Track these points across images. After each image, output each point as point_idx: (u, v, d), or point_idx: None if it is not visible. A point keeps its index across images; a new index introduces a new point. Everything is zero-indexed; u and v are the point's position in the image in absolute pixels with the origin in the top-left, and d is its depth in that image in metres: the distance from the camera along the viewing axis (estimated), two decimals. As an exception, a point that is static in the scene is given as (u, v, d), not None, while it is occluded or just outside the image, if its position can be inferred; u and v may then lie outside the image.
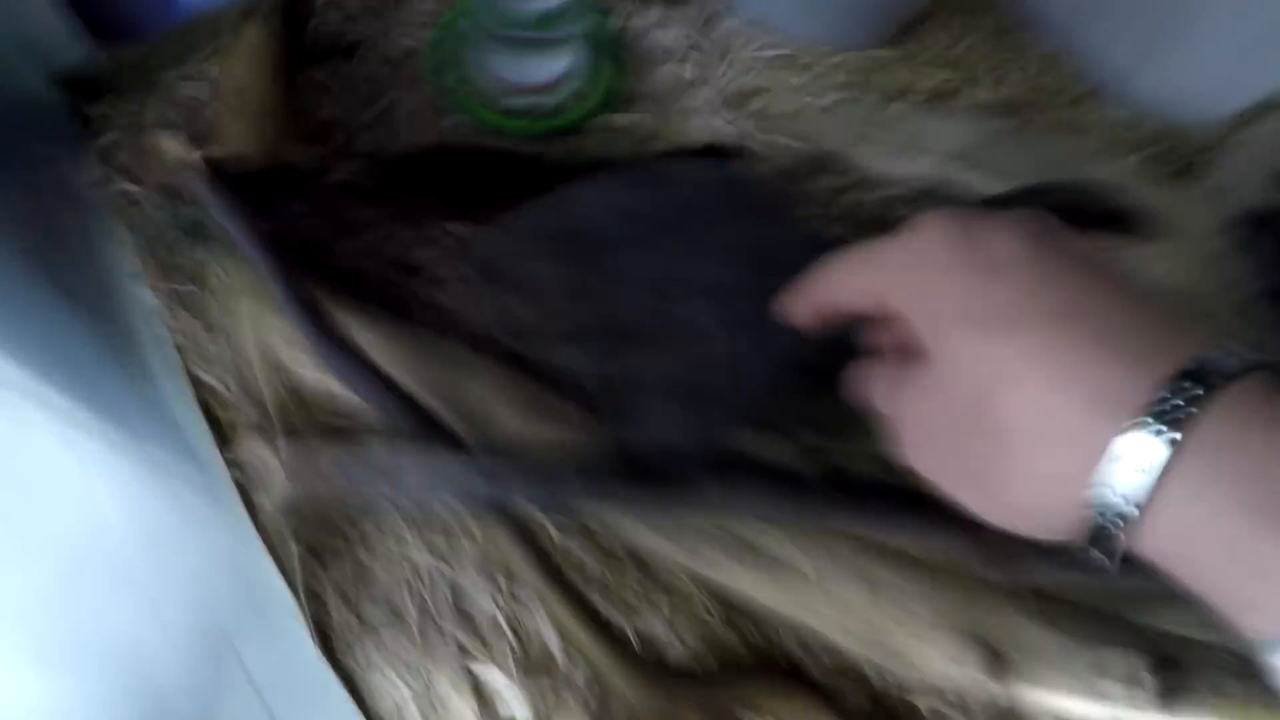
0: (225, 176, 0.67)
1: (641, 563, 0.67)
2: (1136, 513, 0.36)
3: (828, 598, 0.60)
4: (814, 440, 0.76)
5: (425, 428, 0.60)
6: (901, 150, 0.91)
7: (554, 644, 0.72)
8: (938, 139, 0.91)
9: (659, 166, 0.75)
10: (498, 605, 0.73)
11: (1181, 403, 0.35)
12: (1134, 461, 0.35)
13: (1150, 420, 0.35)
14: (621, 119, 0.96)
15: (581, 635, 0.60)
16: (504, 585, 0.74)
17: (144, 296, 0.82)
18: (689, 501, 0.55)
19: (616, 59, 0.98)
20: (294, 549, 0.66)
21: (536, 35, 0.89)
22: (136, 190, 0.86)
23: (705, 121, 0.96)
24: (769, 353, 0.66)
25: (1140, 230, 0.80)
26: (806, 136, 0.95)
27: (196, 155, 0.67)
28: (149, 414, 0.77)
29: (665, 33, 1.03)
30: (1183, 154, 1.02)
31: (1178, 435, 0.34)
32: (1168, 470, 0.35)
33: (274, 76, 0.81)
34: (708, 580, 0.64)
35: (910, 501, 0.57)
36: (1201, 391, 0.35)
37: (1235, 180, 0.89)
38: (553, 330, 0.66)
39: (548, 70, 0.93)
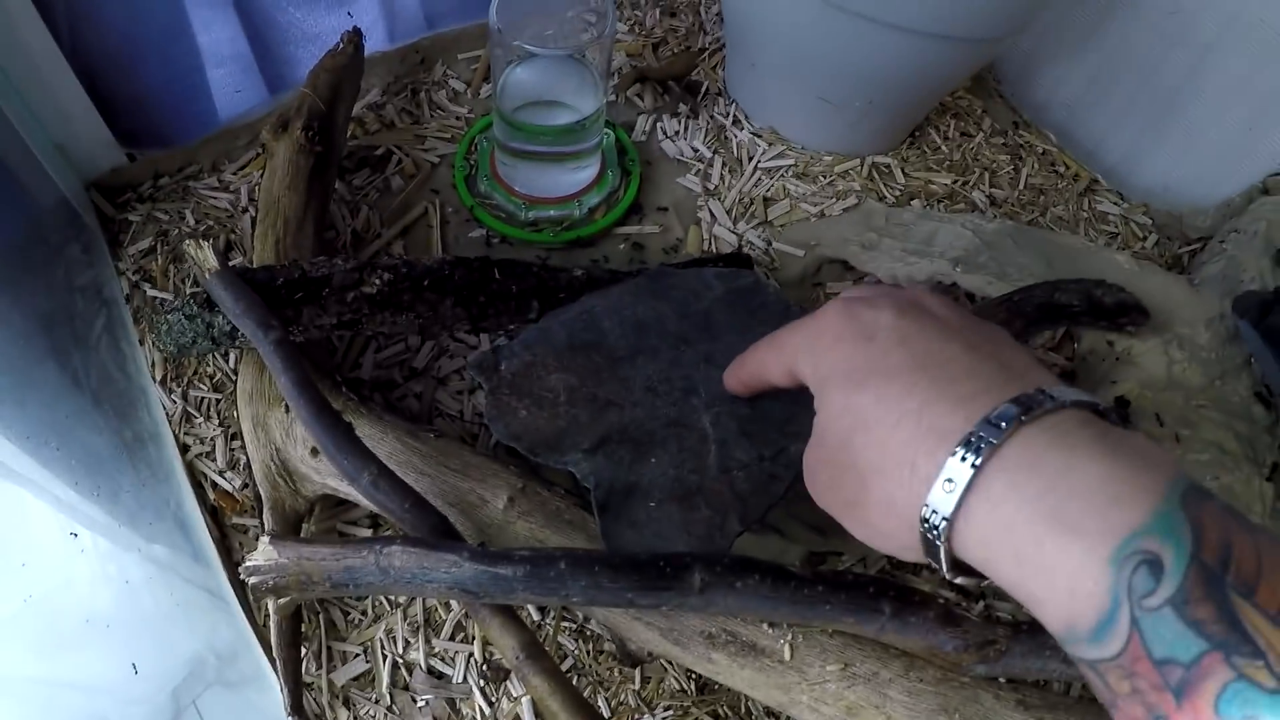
0: (254, 287, 0.69)
1: (616, 637, 0.68)
2: (947, 525, 0.42)
3: (802, 677, 0.61)
4: (809, 539, 0.78)
5: (438, 535, 0.61)
6: (909, 255, 0.92)
7: (524, 710, 0.72)
8: (943, 242, 0.93)
9: (674, 278, 0.76)
10: (470, 670, 0.74)
11: (986, 435, 0.41)
12: (946, 484, 0.42)
13: (960, 449, 0.41)
14: (639, 229, 0.98)
15: (553, 704, 0.60)
16: (477, 653, 0.74)
17: (166, 402, 0.84)
18: (680, 601, 0.56)
19: (634, 171, 1.01)
20: (271, 611, 0.67)
21: (557, 149, 0.92)
22: (166, 297, 0.89)
23: (720, 231, 0.98)
24: (771, 458, 0.68)
25: (1142, 323, 0.81)
26: (818, 244, 0.97)
27: (226, 264, 0.69)
28: (160, 515, 0.78)
29: (681, 145, 1.06)
30: (1182, 243, 1.05)
31: (979, 460, 0.40)
32: (970, 489, 0.41)
33: (305, 189, 0.83)
34: (683, 660, 0.64)
35: (896, 598, 0.57)
36: (1006, 425, 0.41)
37: (1234, 266, 0.91)
38: (567, 442, 0.67)
39: (568, 183, 0.96)
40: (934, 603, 0.58)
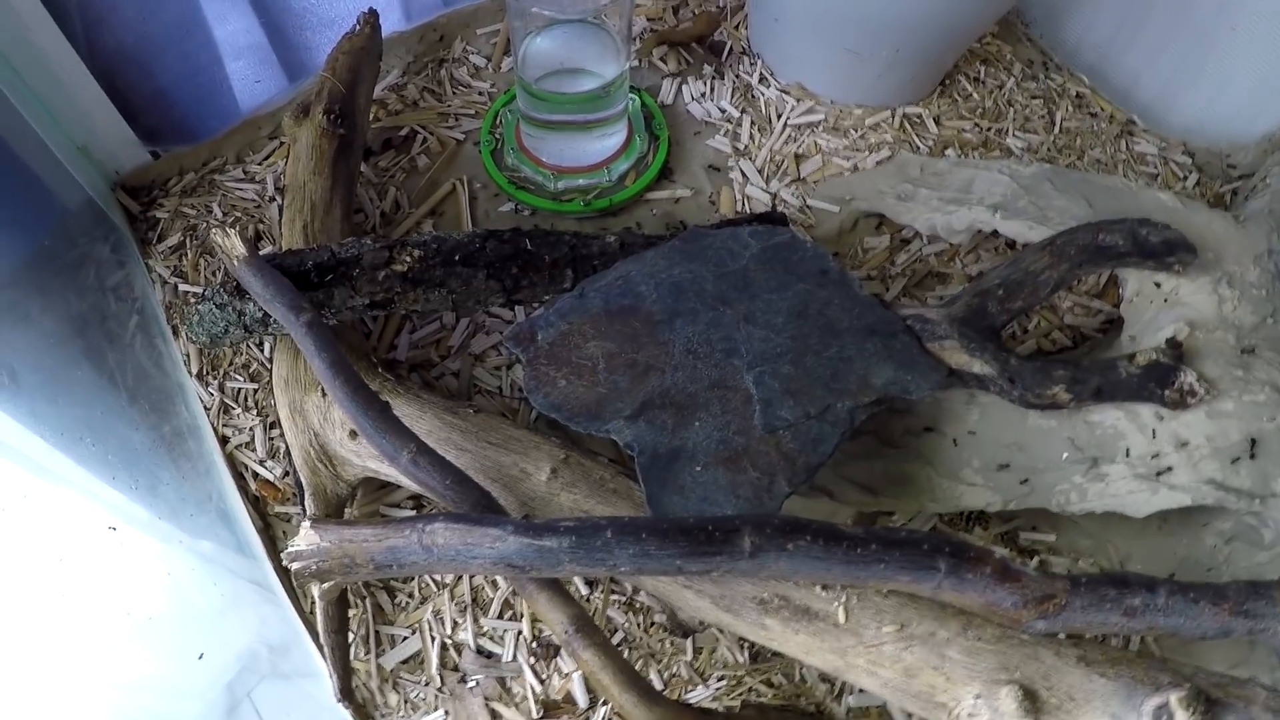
0: (283, 272, 0.68)
1: (667, 607, 0.67)
2: None
3: (858, 640, 0.59)
4: (859, 499, 0.76)
5: (480, 510, 0.60)
6: (946, 204, 0.90)
7: (576, 686, 0.72)
8: (981, 189, 0.91)
9: (709, 238, 0.75)
10: (519, 648, 0.73)
11: None
12: None
13: None
14: (670, 193, 0.97)
15: (604, 677, 0.59)
16: (526, 631, 0.74)
17: (203, 394, 0.83)
18: (730, 565, 0.55)
19: (662, 135, 0.99)
20: (316, 596, 0.67)
21: (582, 117, 0.90)
22: (197, 289, 0.88)
23: (753, 191, 0.97)
24: (817, 416, 0.66)
25: (1190, 261, 0.79)
26: (852, 198, 0.95)
27: (255, 251, 0.68)
28: (202, 509, 0.78)
29: (708, 106, 1.04)
30: (1224, 180, 1.02)
31: None
32: None
33: (330, 172, 0.82)
34: (736, 627, 0.63)
35: (952, 554, 0.56)
36: None
37: (1279, 201, 0.88)
38: (608, 410, 0.66)
39: (596, 151, 0.94)
40: (990, 558, 0.57)
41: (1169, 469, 0.72)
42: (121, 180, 0.95)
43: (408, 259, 0.72)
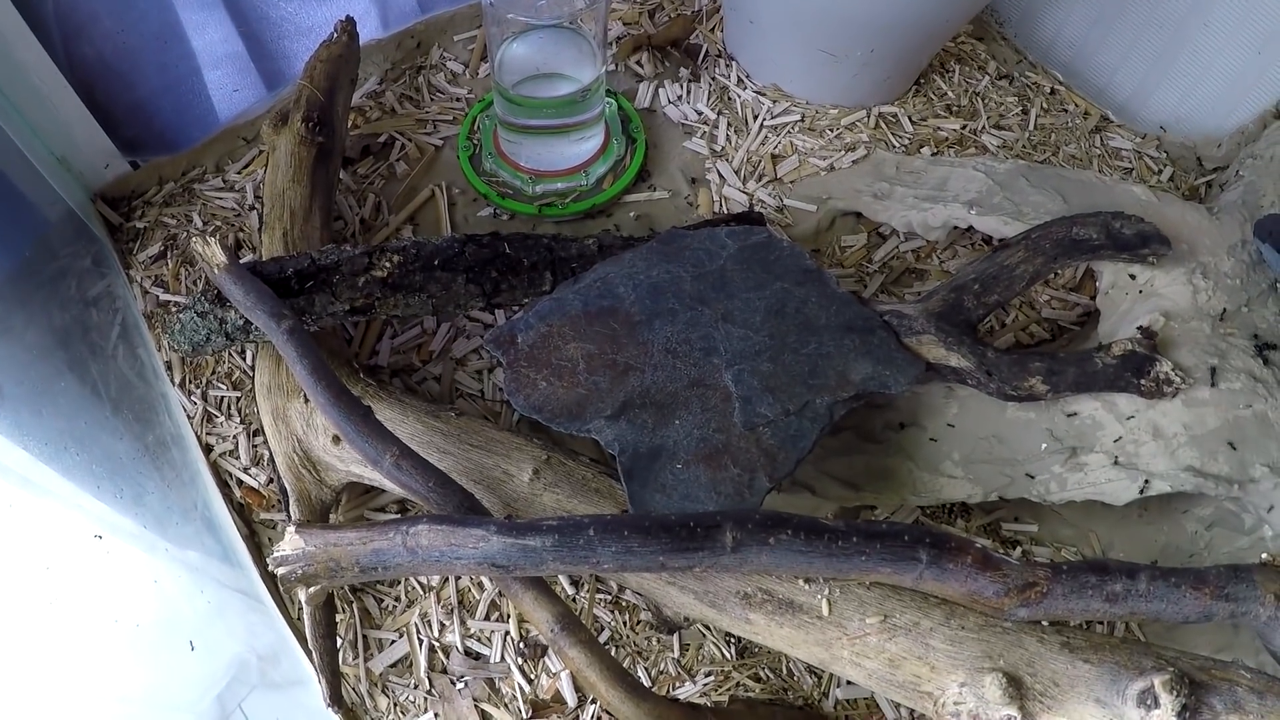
0: (264, 279, 0.68)
1: (651, 604, 0.67)
2: None
3: (842, 632, 0.60)
4: (841, 494, 0.77)
5: (464, 511, 0.61)
6: (922, 201, 0.91)
7: (564, 685, 0.72)
8: (956, 186, 0.92)
9: (687, 239, 0.76)
10: (507, 649, 0.74)
11: None
12: None
13: None
14: (648, 195, 0.97)
15: (591, 675, 0.59)
16: (513, 631, 0.74)
17: (186, 404, 0.83)
18: (713, 560, 0.55)
19: (639, 138, 1.00)
20: (303, 601, 0.67)
21: (560, 121, 0.91)
22: (178, 299, 0.88)
23: (730, 192, 0.97)
24: (796, 412, 0.67)
25: (1164, 253, 0.80)
26: (829, 197, 0.96)
27: (235, 259, 0.68)
28: (187, 517, 0.78)
29: (685, 109, 1.05)
30: (1198, 174, 1.03)
31: None
32: None
33: (309, 180, 0.82)
34: (721, 622, 0.64)
35: (932, 544, 0.56)
36: None
37: (1252, 192, 0.89)
38: (589, 410, 0.66)
39: (573, 155, 0.95)
40: (971, 548, 0.57)
41: (1147, 457, 0.72)
42: (101, 191, 0.95)
43: (387, 265, 0.72)
